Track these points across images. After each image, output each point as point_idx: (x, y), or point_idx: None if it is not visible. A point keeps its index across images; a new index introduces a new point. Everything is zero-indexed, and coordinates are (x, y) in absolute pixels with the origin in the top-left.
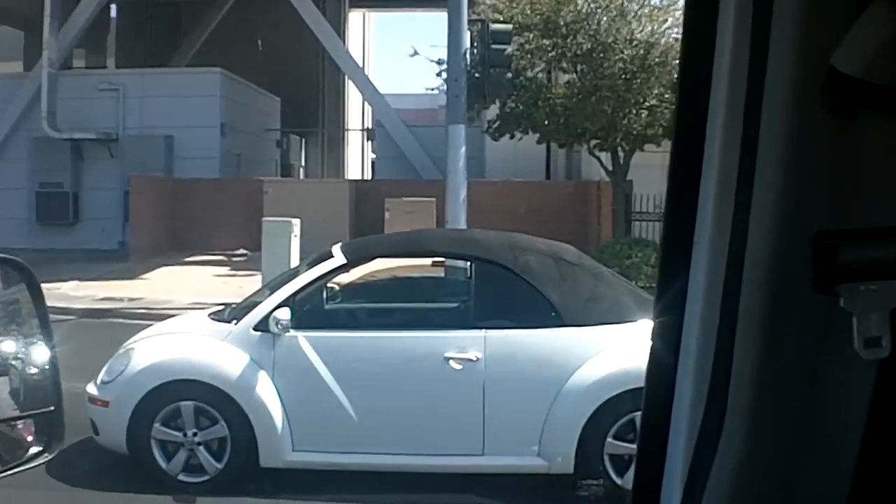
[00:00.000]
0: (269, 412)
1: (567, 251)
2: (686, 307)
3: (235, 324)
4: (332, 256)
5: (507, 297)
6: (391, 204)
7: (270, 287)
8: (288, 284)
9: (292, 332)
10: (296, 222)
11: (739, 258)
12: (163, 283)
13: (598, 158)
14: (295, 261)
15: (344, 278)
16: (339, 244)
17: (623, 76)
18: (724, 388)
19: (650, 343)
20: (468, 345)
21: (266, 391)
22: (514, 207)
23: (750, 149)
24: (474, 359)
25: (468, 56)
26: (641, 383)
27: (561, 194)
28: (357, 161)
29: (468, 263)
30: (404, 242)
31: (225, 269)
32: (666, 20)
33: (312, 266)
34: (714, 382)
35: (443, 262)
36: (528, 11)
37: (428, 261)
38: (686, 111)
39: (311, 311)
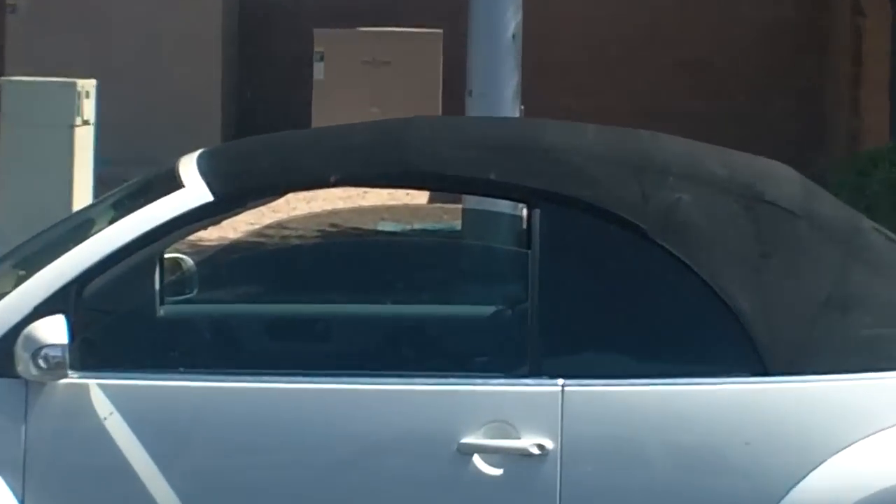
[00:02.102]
0: None
1: (776, 179)
2: None
3: None
4: (181, 184)
5: (621, 296)
6: (328, 41)
7: (19, 258)
8: (66, 255)
9: (74, 378)
10: (87, 87)
11: None
12: None
13: None
14: (85, 192)
15: (209, 237)
16: (200, 152)
17: None
18: None
19: None
20: (521, 415)
21: None
22: (641, 57)
23: None
24: (536, 452)
25: None
26: None
27: (757, 30)
28: None
29: (523, 207)
30: (361, 151)
31: None
32: None
33: (131, 206)
34: None
35: (459, 201)
36: None
37: (420, 197)
38: None
39: (123, 322)
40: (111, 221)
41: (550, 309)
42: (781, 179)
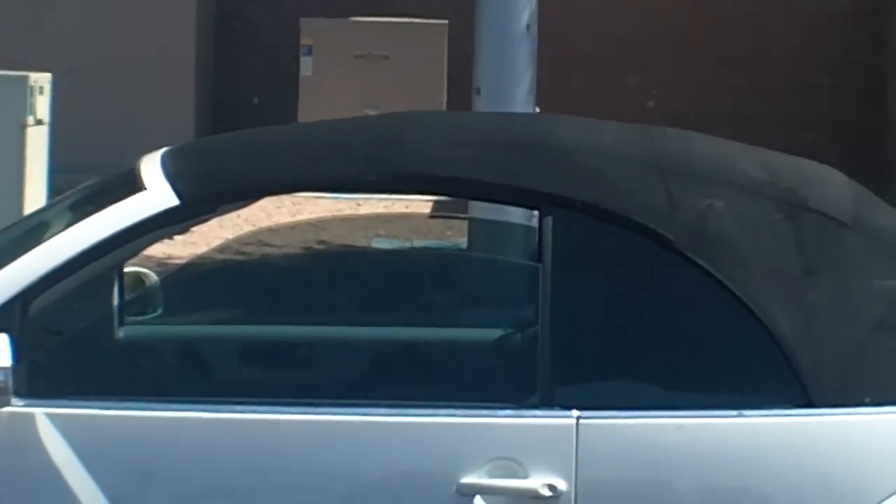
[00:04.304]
0: None
1: (822, 184)
2: None
3: None
4: (143, 186)
5: (644, 317)
6: (317, 33)
7: None
8: (10, 266)
9: (19, 406)
10: (41, 82)
11: None
12: None
13: None
14: (38, 200)
15: (178, 254)
16: (164, 150)
17: None
18: None
19: None
20: (530, 451)
21: None
22: (676, 53)
23: None
24: (547, 493)
25: None
26: None
27: (806, 23)
28: None
29: (536, 214)
30: (348, 150)
31: None
32: None
33: (84, 211)
34: None
35: (464, 210)
36: None
37: (421, 205)
38: None
39: (76, 344)
40: (62, 228)
41: (564, 331)
42: (829, 185)
